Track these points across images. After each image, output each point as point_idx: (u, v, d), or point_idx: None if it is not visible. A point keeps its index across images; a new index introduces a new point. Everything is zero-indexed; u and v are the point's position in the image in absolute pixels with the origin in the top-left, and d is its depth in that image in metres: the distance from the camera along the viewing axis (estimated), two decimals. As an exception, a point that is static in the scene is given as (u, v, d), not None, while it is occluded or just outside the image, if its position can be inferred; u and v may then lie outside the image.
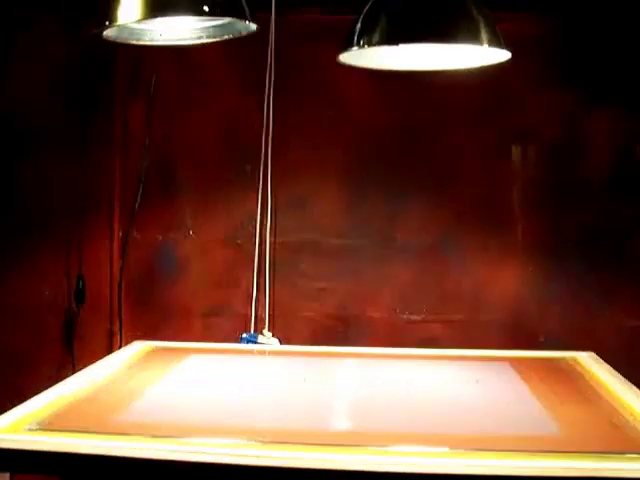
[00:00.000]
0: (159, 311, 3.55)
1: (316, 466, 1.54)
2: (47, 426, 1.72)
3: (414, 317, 3.52)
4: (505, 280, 3.50)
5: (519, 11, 3.33)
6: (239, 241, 3.55)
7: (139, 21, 1.98)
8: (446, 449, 1.65)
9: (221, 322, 3.52)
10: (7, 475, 1.66)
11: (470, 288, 3.52)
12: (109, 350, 3.33)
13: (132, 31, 2.13)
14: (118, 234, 3.58)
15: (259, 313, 3.51)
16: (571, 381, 2.28)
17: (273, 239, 3.53)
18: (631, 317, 3.47)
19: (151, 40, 2.23)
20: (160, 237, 3.59)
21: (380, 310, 3.53)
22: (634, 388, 2.17)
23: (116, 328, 3.56)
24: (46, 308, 3.59)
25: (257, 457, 1.56)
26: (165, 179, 3.56)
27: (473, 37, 1.99)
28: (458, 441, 1.71)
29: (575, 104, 3.46)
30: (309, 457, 1.57)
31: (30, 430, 1.67)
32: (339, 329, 3.50)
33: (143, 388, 2.09)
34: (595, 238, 3.49)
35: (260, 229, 3.52)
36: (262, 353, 2.91)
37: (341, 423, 1.95)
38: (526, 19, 3.39)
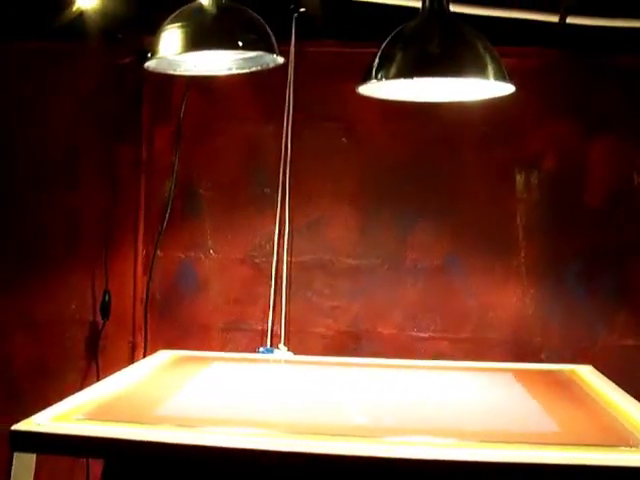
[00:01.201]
0: (180, 326, 3.61)
1: (334, 452, 1.68)
2: (93, 417, 1.89)
3: (422, 334, 3.57)
4: (508, 300, 3.56)
5: (521, 46, 3.38)
6: (257, 260, 3.61)
7: (179, 54, 2.16)
8: (454, 440, 1.81)
9: (239, 337, 3.59)
10: (34, 456, 1.80)
11: (475, 308, 3.57)
12: (131, 362, 3.38)
13: (170, 62, 2.30)
14: (142, 253, 3.64)
15: (275, 329, 3.57)
16: (569, 388, 2.41)
17: (289, 259, 3.58)
18: (628, 337, 3.52)
19: (186, 70, 2.40)
20: (182, 255, 3.64)
21: (389, 327, 3.58)
22: (629, 397, 2.28)
23: (138, 341, 3.62)
24: (72, 322, 3.66)
25: (280, 445, 1.71)
26: (188, 201, 3.62)
27: (480, 71, 2.10)
28: (464, 435, 1.85)
29: (575, 133, 3.52)
30: (328, 445, 1.71)
31: (78, 420, 1.85)
32: (351, 345, 3.54)
33: (174, 388, 2.24)
34: (594, 261, 3.54)
35: (277, 249, 3.57)
36: (279, 362, 3.06)
37: (356, 419, 2.09)
38: (532, 53, 3.47)
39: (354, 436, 1.80)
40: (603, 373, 2.68)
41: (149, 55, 2.19)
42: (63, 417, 1.85)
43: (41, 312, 3.68)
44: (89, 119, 3.64)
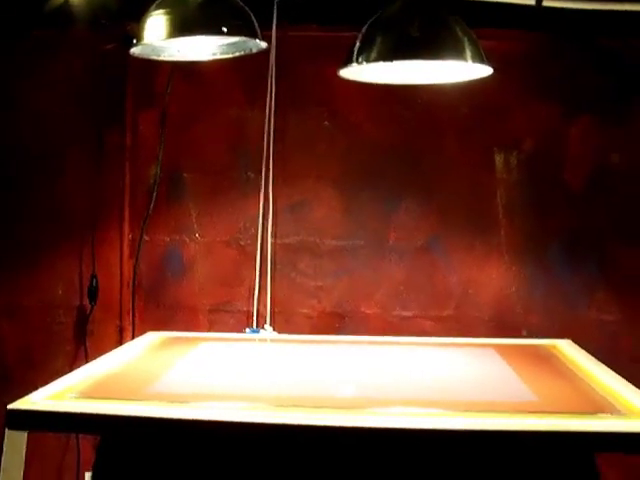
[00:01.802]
0: (167, 308, 3.66)
1: (322, 424, 1.74)
2: (87, 395, 1.95)
3: (405, 313, 3.63)
4: (490, 279, 3.62)
5: (503, 28, 3.44)
6: (242, 243, 3.65)
7: (164, 40, 2.20)
8: (437, 410, 1.88)
9: (225, 318, 3.63)
10: (25, 435, 1.85)
11: (457, 286, 3.63)
12: (119, 345, 3.37)
13: (154, 48, 2.35)
14: (128, 237, 3.67)
15: (260, 310, 3.60)
16: (548, 361, 2.48)
17: (274, 241, 3.63)
18: (608, 312, 3.59)
19: (170, 56, 2.46)
20: (168, 239, 3.68)
21: (374, 307, 3.63)
22: (606, 368, 2.35)
23: (125, 324, 3.66)
24: (59, 307, 3.70)
25: (271, 417, 1.77)
26: (173, 185, 3.66)
27: (458, 54, 2.17)
28: (447, 405, 1.93)
29: (554, 115, 3.58)
30: (315, 417, 1.77)
31: (72, 398, 1.90)
32: (335, 324, 3.59)
33: (164, 367, 2.30)
34: (574, 239, 3.60)
35: (262, 231, 3.61)
36: (265, 340, 3.12)
37: (342, 392, 2.16)
38: (510, 36, 3.51)
39: (341, 408, 1.87)
40: (584, 348, 2.73)
41: (134, 41, 2.23)
42: (57, 396, 1.90)
43: (28, 298, 3.72)
44: (74, 105, 3.66)
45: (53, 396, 1.89)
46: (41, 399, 1.86)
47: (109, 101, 3.65)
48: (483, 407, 1.91)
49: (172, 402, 1.88)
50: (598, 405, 1.98)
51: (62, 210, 3.69)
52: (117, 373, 2.22)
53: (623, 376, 2.27)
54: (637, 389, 2.08)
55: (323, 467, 1.83)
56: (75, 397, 1.90)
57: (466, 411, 1.85)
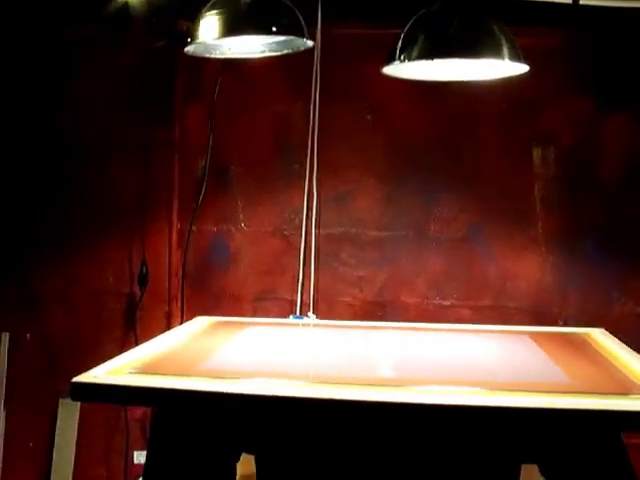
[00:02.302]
0: (213, 296, 3.77)
1: (362, 399, 1.86)
2: (144, 370, 2.08)
3: (444, 302, 3.73)
4: (527, 269, 3.71)
5: (541, 26, 3.51)
6: (286, 233, 3.77)
7: (217, 39, 2.33)
8: (473, 389, 1.99)
9: (269, 306, 3.75)
10: (77, 404, 1.97)
11: (495, 276, 3.72)
12: (167, 330, 3.54)
13: (207, 47, 2.49)
14: (177, 227, 3.80)
15: (304, 298, 3.70)
16: (581, 347, 2.58)
17: (317, 231, 3.73)
18: None
19: (221, 54, 2.59)
20: (215, 229, 3.80)
21: (414, 296, 3.74)
22: (636, 354, 2.43)
23: (173, 311, 3.79)
24: (110, 294, 3.84)
25: (313, 392, 1.91)
26: (220, 177, 3.77)
27: (496, 52, 2.29)
28: (481, 384, 2.05)
29: (591, 110, 3.66)
30: (356, 393, 1.89)
31: (131, 373, 2.04)
32: (376, 313, 3.70)
33: (214, 347, 2.45)
34: (609, 232, 3.68)
35: (306, 222, 3.72)
36: (308, 325, 3.25)
37: (385, 371, 2.29)
38: (546, 33, 3.58)
39: (380, 385, 1.99)
40: (618, 338, 2.78)
41: (188, 40, 2.36)
42: (116, 371, 2.03)
43: (80, 285, 3.86)
44: (126, 100, 3.79)
45: (112, 372, 2.03)
46: (102, 374, 2.00)
47: (159, 97, 3.77)
48: (518, 387, 2.02)
49: (223, 377, 2.01)
50: (628, 387, 2.07)
51: (114, 201, 3.83)
52: (170, 352, 2.36)
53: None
54: None
55: (360, 440, 1.95)
56: (132, 372, 2.04)
57: (500, 390, 1.96)
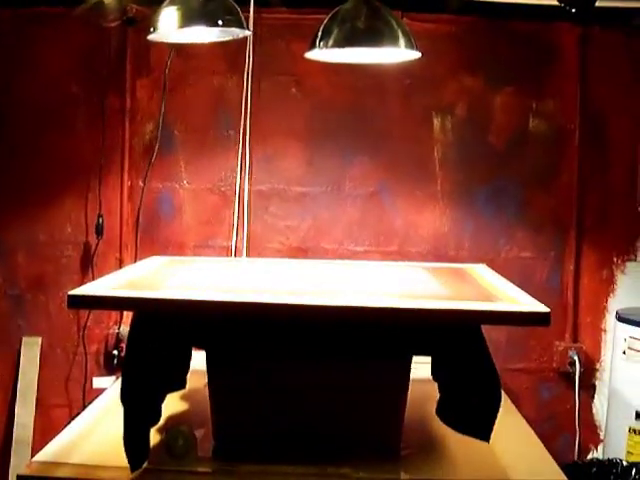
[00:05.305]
0: (160, 244, 4.10)
1: (291, 302, 2.34)
2: (124, 287, 2.55)
3: (358, 248, 4.13)
4: (428, 220, 4.14)
5: (438, 12, 3.98)
6: (223, 189, 4.11)
7: (174, 29, 2.85)
8: (377, 297, 2.51)
9: (209, 252, 4.09)
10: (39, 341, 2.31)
11: (401, 226, 4.13)
12: None
13: (164, 34, 2.96)
14: (127, 184, 4.12)
15: (238, 245, 4.09)
16: (463, 276, 3.02)
17: (250, 187, 4.10)
18: (524, 250, 4.18)
19: (176, 40, 3.06)
20: (161, 186, 4.14)
21: (332, 243, 4.14)
22: (505, 280, 2.87)
23: (124, 257, 4.12)
24: (69, 242, 4.17)
25: (251, 298, 2.36)
26: (165, 141, 4.09)
27: (394, 42, 2.77)
28: (382, 294, 2.60)
29: (482, 85, 4.07)
30: (287, 298, 2.37)
31: (114, 288, 2.56)
32: (300, 257, 4.04)
33: (173, 272, 2.91)
34: (498, 189, 4.12)
35: (240, 180, 4.07)
36: (243, 260, 3.80)
37: (307, 286, 2.81)
38: (446, 20, 4.02)
39: (301, 294, 2.52)
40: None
41: (151, 29, 2.86)
42: (100, 289, 2.55)
43: (41, 234, 4.16)
44: (83, 71, 4.09)
45: (92, 288, 2.54)
46: (92, 289, 2.54)
47: (112, 70, 4.07)
48: (408, 295, 2.55)
49: (185, 290, 2.55)
50: (491, 297, 2.61)
51: (72, 160, 4.11)
52: (138, 277, 2.83)
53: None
54: (526, 294, 2.58)
55: (288, 335, 2.43)
56: (115, 288, 2.55)
57: (394, 296, 2.52)
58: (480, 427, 2.46)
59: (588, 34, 4.07)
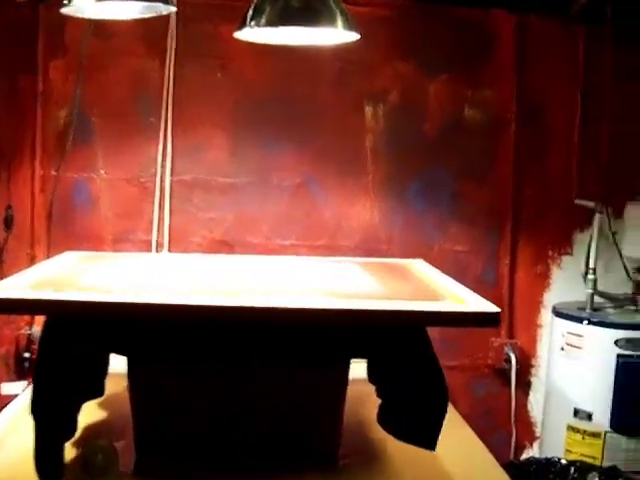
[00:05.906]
0: (75, 238, 3.90)
1: (215, 304, 2.19)
2: (35, 287, 2.37)
3: (285, 242, 4.01)
4: (359, 213, 4.04)
5: None
6: (143, 180, 3.95)
7: (90, 2, 2.62)
8: (310, 296, 2.37)
9: (128, 246, 3.92)
10: None
11: (331, 219, 4.03)
12: None
13: (80, 8, 2.75)
14: (39, 173, 3.92)
15: (159, 239, 3.95)
16: (400, 272, 2.91)
17: (172, 178, 3.95)
18: (458, 244, 4.11)
19: (93, 14, 2.84)
20: (76, 176, 3.93)
21: (258, 236, 4.01)
22: (445, 276, 2.80)
23: (36, 252, 3.91)
24: None
25: (174, 300, 2.21)
26: (81, 127, 3.89)
27: (331, 22, 2.61)
28: (315, 292, 2.43)
29: (416, 72, 3.97)
30: (210, 299, 2.22)
31: (24, 289, 2.34)
32: (224, 251, 3.91)
33: (87, 269, 2.74)
34: (431, 181, 4.03)
35: (161, 170, 3.92)
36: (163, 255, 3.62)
37: (232, 285, 2.62)
38: (381, 3, 3.91)
39: (228, 294, 2.33)
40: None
41: (65, 2, 2.63)
42: (13, 287, 2.34)
43: None
44: None
45: (9, 288, 2.34)
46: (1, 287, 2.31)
47: (22, 51, 3.82)
48: (341, 295, 2.38)
49: (101, 292, 2.34)
50: (433, 295, 2.48)
51: None
52: (56, 273, 2.66)
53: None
54: (472, 292, 2.50)
55: (211, 337, 2.30)
56: (25, 288, 2.34)
57: (328, 296, 2.35)
58: (425, 436, 2.32)
59: (525, 22, 4.03)
